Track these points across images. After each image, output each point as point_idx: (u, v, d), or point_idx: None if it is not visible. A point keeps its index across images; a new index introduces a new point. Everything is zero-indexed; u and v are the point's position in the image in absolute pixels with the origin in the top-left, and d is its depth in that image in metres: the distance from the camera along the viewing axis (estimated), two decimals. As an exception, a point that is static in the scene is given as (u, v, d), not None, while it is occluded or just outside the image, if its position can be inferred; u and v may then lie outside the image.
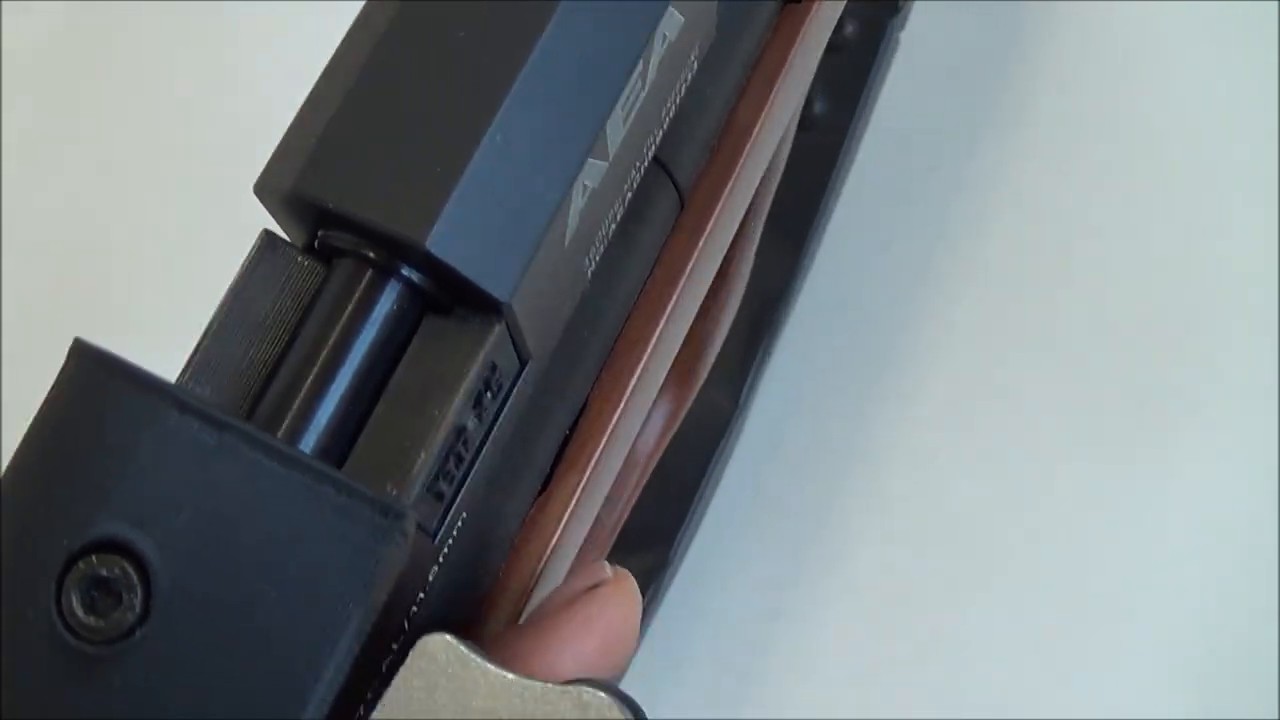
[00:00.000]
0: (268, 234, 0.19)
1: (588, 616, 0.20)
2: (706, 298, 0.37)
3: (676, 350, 0.27)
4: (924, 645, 0.50)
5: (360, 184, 0.18)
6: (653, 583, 0.48)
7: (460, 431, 0.19)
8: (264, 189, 0.19)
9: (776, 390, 0.53)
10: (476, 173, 0.17)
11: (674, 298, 0.24)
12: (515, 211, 0.18)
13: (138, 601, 0.15)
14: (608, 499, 0.37)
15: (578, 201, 0.19)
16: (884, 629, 0.50)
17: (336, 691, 0.16)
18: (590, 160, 0.19)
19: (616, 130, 0.19)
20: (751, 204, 0.35)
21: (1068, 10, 0.56)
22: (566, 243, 0.19)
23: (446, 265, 0.18)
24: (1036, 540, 0.51)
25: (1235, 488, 0.52)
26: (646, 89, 0.20)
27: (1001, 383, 0.52)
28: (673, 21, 0.20)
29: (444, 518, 0.19)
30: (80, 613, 0.15)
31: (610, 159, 0.19)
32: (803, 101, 0.35)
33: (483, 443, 0.20)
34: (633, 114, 0.20)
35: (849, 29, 0.49)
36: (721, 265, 0.36)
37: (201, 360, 0.18)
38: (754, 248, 0.37)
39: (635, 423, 0.25)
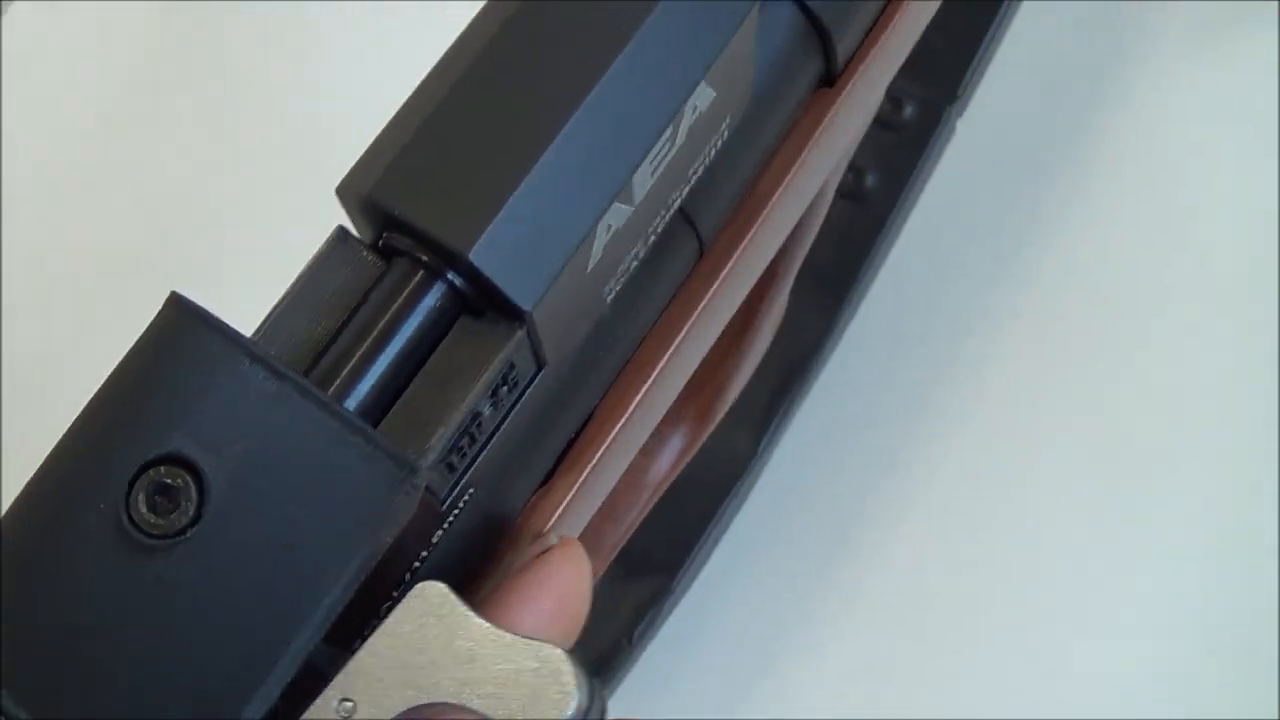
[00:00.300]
0: (341, 229, 0.22)
1: (542, 577, 0.23)
2: (728, 342, 0.39)
3: (683, 382, 0.30)
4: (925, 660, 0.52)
5: (424, 198, 0.21)
6: (653, 607, 0.50)
7: (476, 416, 0.22)
8: (344, 191, 0.22)
9: (797, 441, 0.55)
10: (520, 202, 0.21)
11: (682, 334, 0.27)
12: (547, 238, 0.21)
13: (192, 508, 0.18)
14: (614, 517, 0.39)
15: (602, 237, 0.22)
16: (882, 654, 0.52)
17: (340, 608, 0.19)
18: (616, 204, 0.22)
19: (643, 181, 0.22)
20: (778, 263, 0.38)
21: (1119, 114, 0.59)
22: (589, 270, 0.22)
23: (483, 275, 0.21)
24: (1038, 544, 0.53)
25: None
26: (675, 150, 0.23)
27: (1019, 452, 0.54)
28: (704, 95, 0.23)
29: (453, 489, 0.22)
30: (144, 510, 0.18)
31: (635, 205, 0.22)
32: (841, 170, 0.37)
33: (496, 430, 0.23)
34: (660, 169, 0.23)
35: (908, 110, 0.52)
36: (746, 315, 0.39)
37: (272, 326, 0.21)
38: (781, 302, 0.40)
39: (637, 438, 0.28)
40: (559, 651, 0.20)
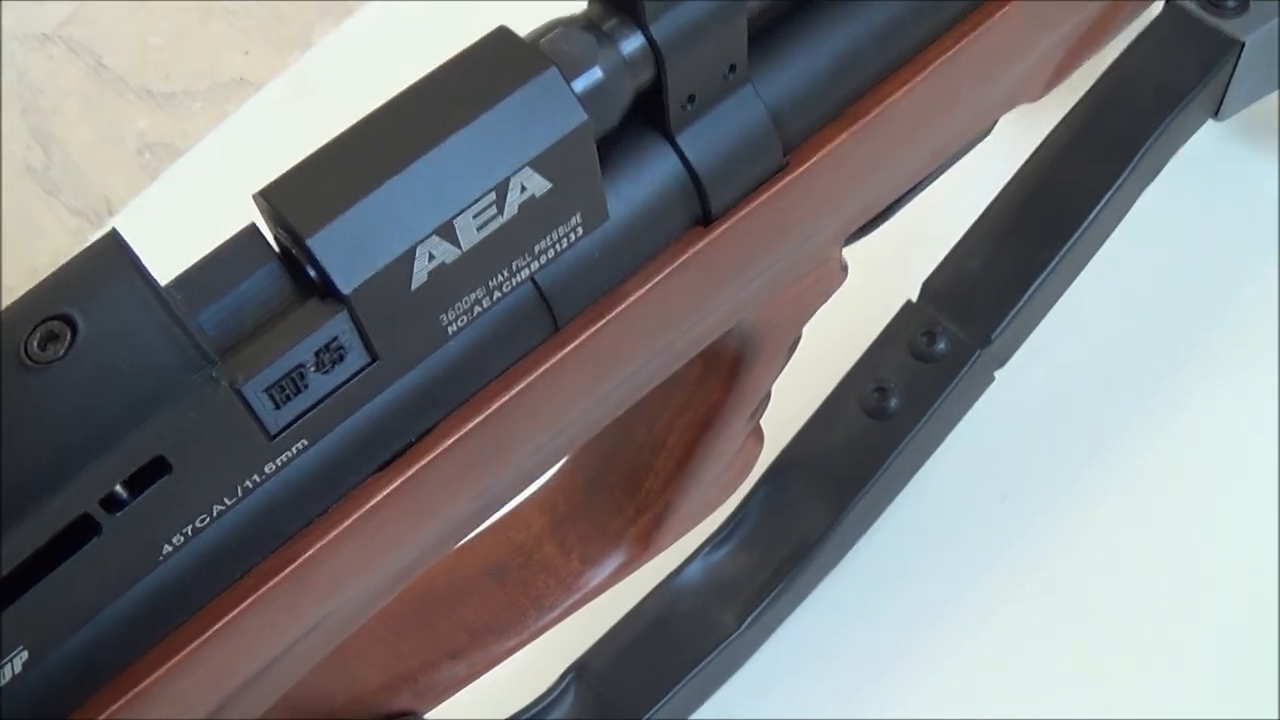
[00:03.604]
0: (252, 225, 0.30)
1: None
2: (669, 470, 0.44)
3: (535, 460, 0.34)
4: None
5: (292, 198, 0.28)
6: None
7: (299, 368, 0.28)
8: (256, 195, 0.29)
9: (790, 641, 0.58)
10: (357, 213, 0.27)
11: (513, 391, 0.32)
12: (373, 245, 0.28)
13: (63, 350, 0.25)
14: (540, 605, 0.44)
15: (423, 261, 0.28)
16: None
17: (149, 457, 0.26)
18: (436, 238, 0.28)
19: (468, 230, 0.28)
20: (717, 399, 0.42)
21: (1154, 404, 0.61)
22: (412, 288, 0.28)
23: (317, 258, 0.27)
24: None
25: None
26: (505, 217, 0.29)
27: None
28: (533, 180, 0.29)
29: (282, 428, 0.29)
30: (35, 346, 0.25)
31: (462, 249, 0.29)
32: (788, 333, 0.42)
33: (328, 395, 0.29)
34: (489, 229, 0.29)
35: (941, 345, 0.57)
36: (687, 446, 0.44)
37: (180, 275, 0.29)
38: (730, 442, 0.43)
39: (466, 473, 0.33)
40: None
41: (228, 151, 0.76)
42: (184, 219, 0.73)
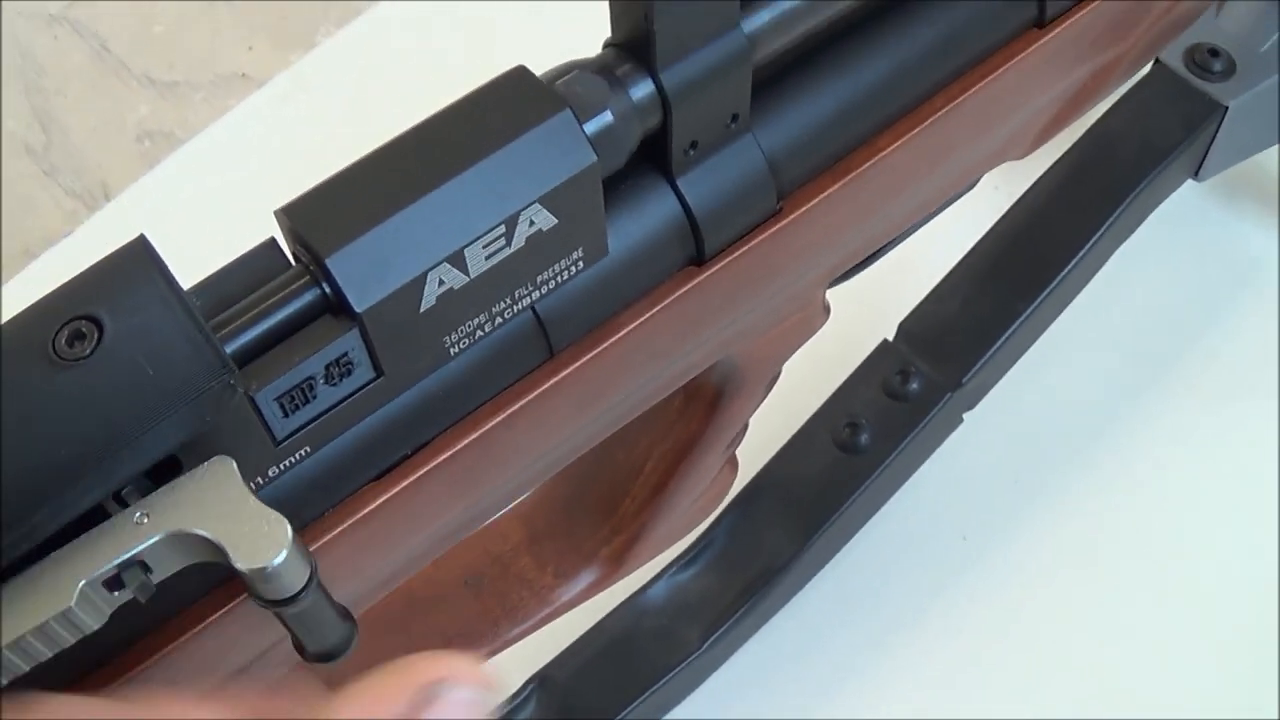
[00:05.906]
0: (271, 239, 0.31)
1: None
2: (645, 495, 0.46)
3: (525, 472, 0.36)
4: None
5: (312, 219, 0.29)
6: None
7: (309, 380, 0.29)
8: (278, 211, 0.30)
9: (745, 663, 0.60)
10: (374, 238, 0.29)
11: (510, 410, 0.33)
12: (388, 269, 0.29)
13: (90, 348, 0.26)
14: (513, 617, 0.45)
15: (433, 286, 0.29)
16: None
17: (155, 444, 0.27)
18: (447, 265, 0.30)
19: (477, 259, 0.30)
20: (697, 429, 0.44)
21: (1117, 442, 0.63)
22: (420, 310, 0.30)
23: (334, 277, 0.29)
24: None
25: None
26: (512, 249, 0.31)
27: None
28: (541, 215, 0.30)
29: (290, 435, 0.30)
30: (63, 343, 0.26)
31: (470, 276, 0.30)
32: (766, 374, 0.44)
33: (334, 406, 0.30)
34: (496, 259, 0.30)
35: (913, 385, 0.58)
36: (663, 472, 0.45)
37: (200, 282, 0.30)
38: (707, 470, 0.45)
39: (461, 488, 0.34)
40: (288, 525, 0.27)
41: (227, 145, 0.77)
42: (180, 209, 0.75)
